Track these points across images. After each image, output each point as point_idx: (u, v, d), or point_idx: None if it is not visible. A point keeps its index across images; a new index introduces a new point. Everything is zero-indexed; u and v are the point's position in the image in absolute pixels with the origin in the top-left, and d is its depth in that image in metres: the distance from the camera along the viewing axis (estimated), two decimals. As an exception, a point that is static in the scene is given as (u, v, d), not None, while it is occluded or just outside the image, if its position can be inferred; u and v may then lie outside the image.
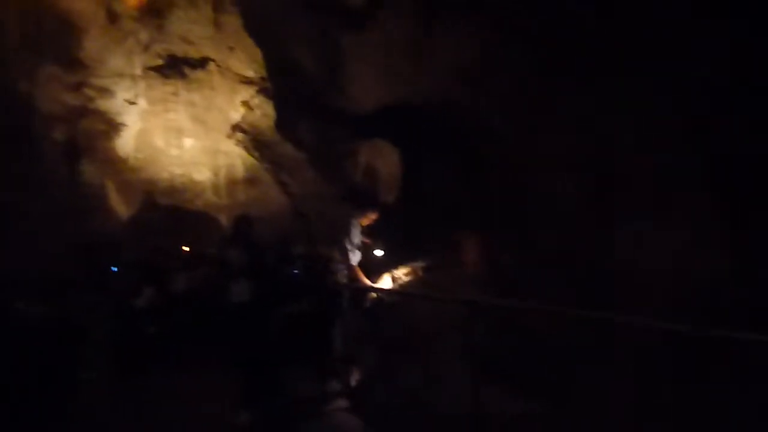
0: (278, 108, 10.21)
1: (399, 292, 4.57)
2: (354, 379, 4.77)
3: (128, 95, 12.35)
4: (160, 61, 12.50)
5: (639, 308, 4.42)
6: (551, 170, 5.85)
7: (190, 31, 12.48)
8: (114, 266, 8.21)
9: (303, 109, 9.36)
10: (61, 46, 11.42)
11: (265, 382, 4.85)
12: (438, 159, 7.71)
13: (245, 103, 12.88)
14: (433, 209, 7.14)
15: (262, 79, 12.00)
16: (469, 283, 5.19)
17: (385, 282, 5.77)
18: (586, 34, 4.85)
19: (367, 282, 5.31)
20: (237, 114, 12.98)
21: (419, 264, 6.16)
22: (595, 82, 5.14)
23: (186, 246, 9.59)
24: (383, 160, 10.44)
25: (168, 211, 11.54)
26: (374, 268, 6.04)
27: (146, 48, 12.36)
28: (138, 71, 12.39)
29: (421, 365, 4.44)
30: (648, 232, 4.86)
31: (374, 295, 5.11)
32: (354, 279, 5.29)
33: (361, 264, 5.59)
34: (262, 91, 12.21)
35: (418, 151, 8.48)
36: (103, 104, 12.14)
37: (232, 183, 13.34)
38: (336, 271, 5.42)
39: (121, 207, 12.32)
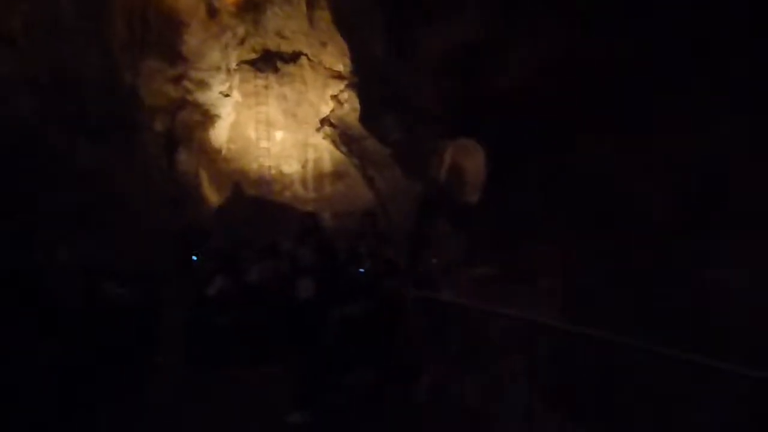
0: (363, 103, 10.13)
1: (462, 302, 4.35)
2: (411, 387, 4.62)
3: (223, 88, 12.78)
4: (254, 55, 12.87)
5: (740, 337, 3.95)
6: (647, 178, 5.39)
7: (284, 27, 12.77)
8: (195, 255, 8.46)
9: (387, 104, 9.23)
10: (164, 40, 11.96)
11: (321, 383, 4.79)
12: (523, 161, 7.33)
13: (335, 98, 13.02)
14: (513, 213, 6.79)
15: (352, 73, 12.01)
16: (542, 298, 4.87)
17: (450, 288, 5.56)
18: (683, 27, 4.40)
19: (431, 289, 5.13)
20: (327, 108, 13.15)
21: (490, 271, 5.88)
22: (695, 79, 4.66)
23: (268, 238, 9.75)
24: (469, 159, 10.17)
25: (255, 202, 11.82)
26: (441, 273, 5.84)
27: (242, 42, 12.75)
28: (233, 65, 12.81)
29: (481, 382, 4.21)
30: (754, 249, 4.34)
31: (438, 301, 4.92)
32: (419, 284, 5.13)
33: (428, 268, 5.42)
34: (352, 85, 12.26)
35: (503, 153, 8.14)
36: (201, 96, 12.61)
37: (319, 176, 13.52)
38: (401, 274, 5.27)
39: (213, 196, 12.76)
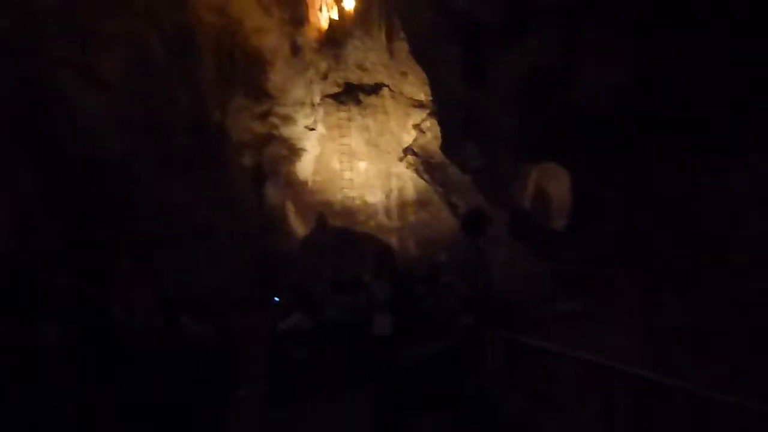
0: (443, 131, 10.05)
1: (540, 344, 4.09)
2: (483, 428, 4.37)
3: (308, 122, 13.10)
4: (337, 89, 13.12)
5: None
6: (741, 206, 4.94)
7: (365, 59, 12.96)
8: (277, 291, 8.57)
9: (467, 131, 9.10)
10: (251, 79, 12.45)
11: (391, 423, 4.64)
12: (608, 186, 6.95)
13: (416, 126, 13.02)
14: (597, 242, 6.42)
15: (432, 102, 11.98)
16: (625, 335, 4.51)
17: (532, 325, 5.27)
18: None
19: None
20: (409, 137, 13.17)
21: (568, 307, 5.55)
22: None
23: (352, 268, 9.77)
24: (554, 184, 9.80)
25: (340, 233, 11.92)
26: (524, 309, 5.57)
27: (325, 77, 13.05)
28: (317, 99, 13.11)
29: (556, 427, 3.92)
30: None
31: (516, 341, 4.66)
32: (498, 322, 4.88)
33: (506, 304, 5.18)
34: (433, 113, 12.22)
35: (589, 177, 7.77)
36: (286, 131, 12.99)
37: (403, 205, 13.50)
38: (480, 310, 5.05)
39: (299, 228, 13.01)
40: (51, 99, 9.11)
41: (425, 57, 8.99)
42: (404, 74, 12.75)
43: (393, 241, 12.91)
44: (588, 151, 6.28)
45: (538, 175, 9.95)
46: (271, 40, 12.53)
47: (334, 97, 13.17)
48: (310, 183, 13.43)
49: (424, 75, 10.97)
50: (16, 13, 8.23)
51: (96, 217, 8.61)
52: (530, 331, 5.10)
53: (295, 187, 13.21)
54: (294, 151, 13.13)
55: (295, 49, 12.71)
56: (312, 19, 13.02)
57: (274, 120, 12.87)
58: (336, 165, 13.42)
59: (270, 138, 12.89)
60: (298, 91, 12.87)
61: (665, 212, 5.65)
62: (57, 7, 8.63)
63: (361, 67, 13.04)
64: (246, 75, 12.38)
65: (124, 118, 10.12)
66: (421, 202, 13.40)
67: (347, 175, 13.31)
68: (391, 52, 12.74)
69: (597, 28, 4.91)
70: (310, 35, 12.87)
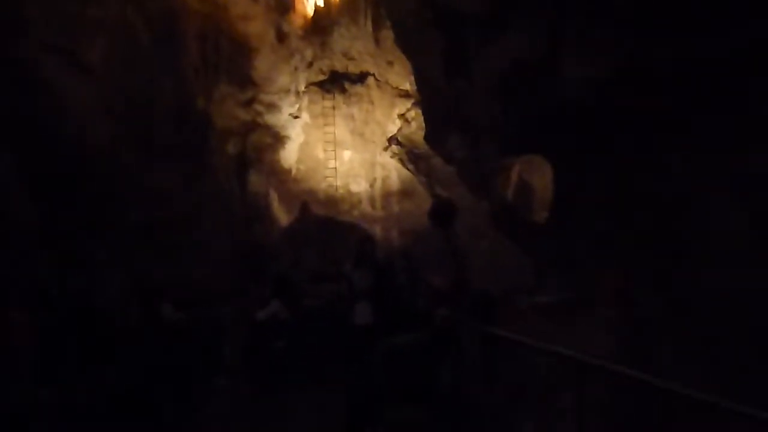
0: (428, 121, 10.05)
1: (514, 337, 4.11)
2: (459, 421, 4.42)
3: (292, 110, 13.03)
4: (322, 77, 13.06)
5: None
6: (720, 202, 5.00)
7: (351, 47, 12.90)
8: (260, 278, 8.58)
9: (451, 123, 9.11)
10: (236, 66, 12.35)
11: (367, 413, 4.68)
12: (590, 180, 7.00)
13: (402, 116, 13.02)
14: (577, 235, 6.48)
15: (418, 92, 11.96)
16: (600, 328, 4.56)
17: (510, 317, 5.30)
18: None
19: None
20: (394, 127, 13.16)
21: (547, 299, 5.60)
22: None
23: (335, 257, 9.77)
24: (537, 176, 9.84)
25: (323, 222, 11.91)
26: (501, 300, 5.61)
27: (310, 65, 12.98)
28: (302, 87, 13.04)
29: (531, 419, 3.97)
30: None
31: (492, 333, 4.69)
32: (475, 313, 4.92)
33: (485, 295, 5.21)
34: (418, 104, 12.21)
35: (570, 170, 7.81)
36: (271, 119, 12.91)
37: (387, 195, 13.51)
38: (456, 301, 5.08)
39: (282, 216, 12.98)
40: (33, 82, 8.96)
41: (409, 47, 8.97)
42: (390, 63, 12.72)
43: (376, 230, 12.91)
44: (570, 144, 6.32)
45: (521, 167, 10.00)
46: (256, 26, 12.42)
47: (320, 85, 13.11)
48: (294, 171, 13.39)
49: (409, 65, 10.96)
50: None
51: (77, 203, 8.53)
52: (508, 324, 5.14)
53: (278, 175, 13.16)
54: (278, 139, 13.07)
55: (281, 36, 12.61)
56: (298, 6, 12.90)
57: (259, 107, 12.78)
58: (320, 154, 13.38)
59: (254, 126, 12.82)
60: (283, 79, 12.78)
61: (645, 207, 5.72)
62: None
63: (346, 56, 12.98)
64: (231, 62, 12.26)
65: (107, 104, 9.99)
66: (405, 193, 13.42)
67: (331, 164, 13.28)
68: (377, 41, 12.69)
69: (579, 20, 4.92)
70: (296, 22, 12.77)
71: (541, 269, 7.86)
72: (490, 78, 6.36)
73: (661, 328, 4.35)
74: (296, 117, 13.11)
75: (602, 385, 3.34)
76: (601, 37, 4.82)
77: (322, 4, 13.05)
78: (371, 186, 13.47)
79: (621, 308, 4.81)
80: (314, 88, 13.11)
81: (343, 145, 13.29)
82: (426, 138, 10.66)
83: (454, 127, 9.28)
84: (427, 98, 9.69)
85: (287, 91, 12.91)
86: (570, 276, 6.13)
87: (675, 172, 5.52)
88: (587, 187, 7.07)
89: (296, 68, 12.88)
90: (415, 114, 12.60)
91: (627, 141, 5.96)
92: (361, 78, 13.05)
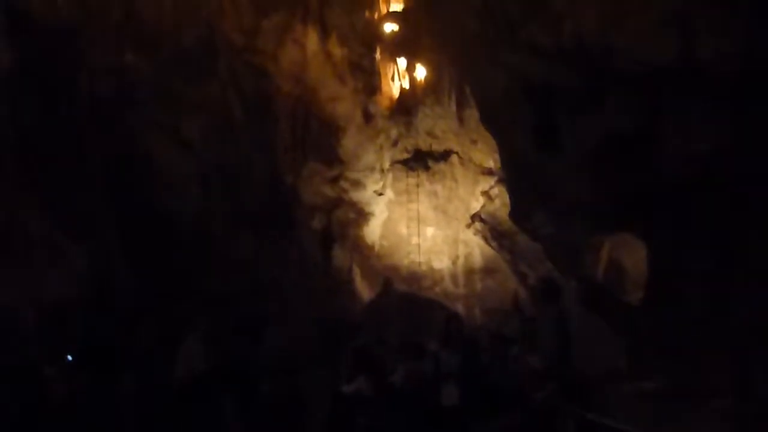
0: (513, 198, 9.96)
1: (616, 425, 3.82)
2: None
3: (377, 187, 13.30)
4: (406, 155, 13.34)
5: None
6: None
7: (435, 126, 13.19)
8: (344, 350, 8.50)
9: (537, 199, 8.98)
10: (324, 144, 12.87)
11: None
12: (688, 258, 6.65)
13: (485, 193, 13.00)
14: (681, 316, 6.09)
15: (502, 169, 11.96)
16: (714, 419, 4.16)
17: (607, 403, 4.96)
18: None
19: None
20: (477, 204, 13.14)
21: (647, 385, 5.21)
22: None
23: (416, 335, 9.61)
24: (629, 255, 9.46)
25: (405, 298, 11.83)
26: (599, 385, 5.27)
27: (395, 143, 13.32)
28: (387, 165, 13.34)
29: None
30: None
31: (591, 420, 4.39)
32: (571, 397, 4.64)
33: (582, 378, 4.93)
34: (502, 181, 12.20)
35: (664, 248, 7.47)
36: (356, 195, 13.22)
37: (470, 272, 13.33)
38: (552, 384, 4.82)
39: (365, 291, 13.01)
40: (137, 157, 9.68)
41: (496, 124, 9.03)
42: (474, 142, 12.87)
43: (459, 308, 12.67)
44: (666, 220, 6.06)
45: (611, 245, 9.65)
46: (344, 107, 12.96)
47: (404, 163, 13.37)
48: (377, 247, 13.50)
49: (493, 142, 11.01)
50: (116, 81, 8.92)
51: (171, 271, 8.91)
52: (605, 409, 4.82)
53: (362, 250, 13.30)
54: (362, 215, 13.30)
55: (368, 117, 13.08)
56: (384, 88, 13.42)
57: (344, 184, 13.14)
58: (403, 230, 13.46)
59: (339, 202, 13.14)
60: (368, 157, 13.15)
61: (749, 286, 5.34)
62: (152, 76, 9.29)
63: (430, 134, 13.25)
64: (319, 140, 12.79)
65: (202, 177, 10.59)
66: (488, 270, 13.20)
67: (414, 240, 13.31)
68: (460, 120, 12.90)
69: (681, 93, 4.81)
70: (382, 103, 13.24)
71: (637, 352, 7.39)
72: (582, 153, 6.27)
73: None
74: (380, 194, 13.35)
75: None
76: (705, 110, 4.68)
77: (407, 86, 13.50)
78: (454, 263, 13.35)
79: (738, 397, 4.40)
80: (399, 166, 13.37)
81: (426, 222, 13.34)
82: (510, 215, 10.55)
83: (541, 204, 9.14)
84: (513, 174, 9.65)
85: (372, 169, 13.23)
86: (670, 360, 5.72)
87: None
88: (686, 267, 6.72)
89: (381, 147, 13.24)
90: (499, 191, 12.56)
91: (728, 217, 5.66)
92: (445, 156, 13.22)
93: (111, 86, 9.86)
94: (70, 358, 6.30)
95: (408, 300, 11.76)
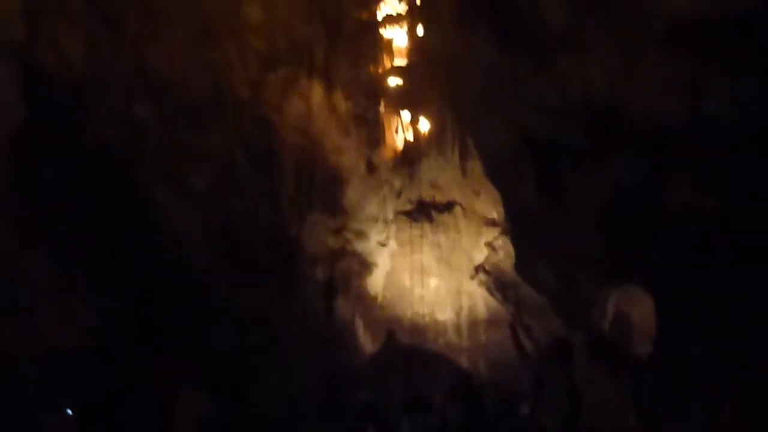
0: (517, 250, 9.94)
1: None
2: None
3: (380, 238, 13.30)
4: (409, 206, 13.38)
5: None
6: None
7: (438, 178, 13.29)
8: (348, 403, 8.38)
9: (542, 251, 8.96)
10: (327, 195, 12.93)
11: None
12: (699, 312, 6.59)
13: (489, 244, 12.98)
14: (685, 372, 5.99)
15: (506, 220, 12.00)
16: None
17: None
18: None
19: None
20: (481, 255, 13.10)
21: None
22: None
23: (420, 388, 9.46)
24: (636, 308, 9.38)
25: (408, 350, 11.68)
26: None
27: (398, 194, 13.40)
28: (390, 216, 13.37)
29: None
30: None
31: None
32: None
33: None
34: (506, 232, 12.20)
35: (674, 301, 7.41)
36: (359, 246, 13.21)
37: (474, 324, 13.18)
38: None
39: (368, 343, 12.86)
40: (141, 206, 9.73)
41: (499, 177, 9.08)
42: (477, 193, 12.93)
43: (463, 360, 12.51)
44: (676, 274, 6.02)
45: (618, 298, 9.58)
46: (348, 159, 13.10)
47: (407, 214, 13.40)
48: (380, 298, 13.41)
49: (497, 194, 11.06)
50: (123, 130, 9.05)
51: (173, 324, 8.83)
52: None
53: (365, 301, 13.20)
54: (365, 266, 13.26)
55: (371, 168, 13.21)
56: (388, 139, 13.60)
57: (348, 235, 13.15)
58: (407, 281, 13.39)
59: (343, 253, 13.11)
60: (372, 208, 13.20)
61: (764, 344, 5.26)
62: (158, 124, 9.44)
63: (434, 186, 13.33)
64: (323, 191, 12.87)
65: (205, 227, 10.61)
66: (492, 322, 13.05)
67: (417, 291, 13.22)
68: (464, 172, 13.01)
69: (689, 149, 4.86)
70: (386, 155, 13.39)
71: (645, 408, 7.25)
72: (587, 207, 6.28)
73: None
74: (384, 245, 13.35)
75: None
76: (710, 167, 4.72)
77: (411, 138, 13.67)
78: (457, 315, 13.22)
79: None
80: (402, 217, 13.40)
81: (430, 273, 13.28)
82: (515, 266, 10.52)
83: (546, 256, 9.11)
84: (517, 226, 9.65)
85: (376, 220, 13.27)
86: (680, 417, 5.60)
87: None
88: (695, 321, 6.65)
89: (385, 198, 13.32)
90: (503, 242, 12.54)
91: (740, 273, 5.63)
92: (448, 207, 13.26)
93: (118, 137, 10.00)
94: (69, 411, 6.19)
95: (412, 352, 11.62)
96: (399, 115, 13.77)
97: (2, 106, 8.04)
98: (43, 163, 8.38)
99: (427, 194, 13.40)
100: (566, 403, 4.49)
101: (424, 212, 13.33)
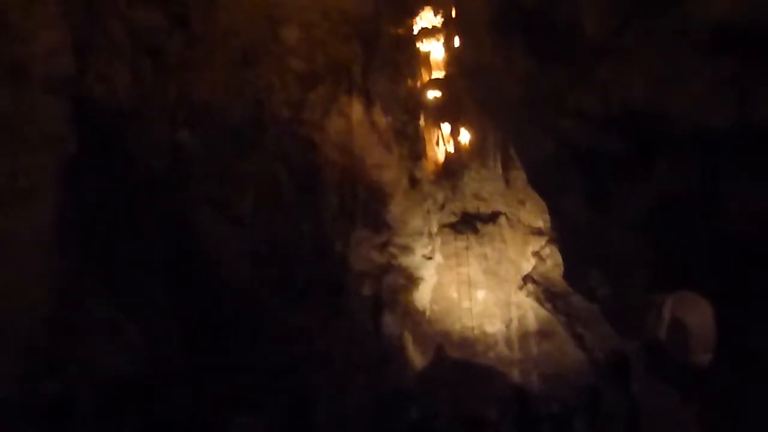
0: (566, 258, 9.76)
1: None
2: None
3: (426, 251, 13.23)
4: (454, 219, 13.29)
5: None
6: None
7: (481, 189, 13.18)
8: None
9: (591, 259, 8.77)
10: (371, 211, 12.98)
11: None
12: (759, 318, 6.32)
13: (536, 254, 12.78)
14: (754, 379, 5.74)
15: (552, 229, 11.81)
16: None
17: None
18: None
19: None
20: (528, 265, 12.90)
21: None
22: None
23: (471, 403, 9.34)
24: (693, 314, 9.07)
25: (459, 365, 11.53)
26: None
27: (442, 207, 13.33)
28: (434, 229, 13.31)
29: None
30: None
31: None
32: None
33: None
34: (553, 241, 12.01)
35: (735, 306, 7.13)
36: (405, 261, 13.17)
37: (524, 335, 12.94)
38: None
39: (417, 358, 12.75)
40: (189, 231, 9.95)
41: (544, 187, 8.97)
42: (521, 202, 12.77)
43: (515, 374, 12.27)
44: (733, 279, 5.80)
45: (673, 304, 9.27)
46: (390, 174, 13.14)
47: (452, 226, 13.30)
48: (428, 313, 13.30)
49: (542, 203, 10.92)
50: (171, 158, 9.31)
51: (224, 346, 8.97)
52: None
53: (413, 316, 13.12)
54: (412, 281, 13.20)
55: (414, 182, 13.21)
56: (429, 153, 13.59)
57: (393, 250, 13.13)
58: (454, 294, 13.26)
59: (389, 268, 13.09)
60: (416, 222, 13.17)
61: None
62: (204, 152, 9.68)
63: (477, 197, 13.22)
64: (366, 207, 12.92)
65: (252, 250, 10.76)
66: (543, 333, 12.78)
67: (465, 304, 13.07)
68: (507, 182, 12.88)
69: (736, 154, 4.70)
70: (428, 168, 13.37)
71: (709, 420, 6.99)
72: (635, 214, 6.12)
73: None
74: (429, 258, 13.27)
75: None
76: (760, 171, 4.54)
77: (452, 150, 13.61)
78: (507, 327, 12.99)
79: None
80: (447, 230, 13.31)
81: (477, 285, 13.12)
82: (564, 276, 10.32)
83: (595, 263, 8.92)
84: (564, 235, 9.51)
85: (420, 234, 13.22)
86: (745, 428, 5.37)
87: None
88: (756, 324, 6.39)
89: (429, 211, 13.26)
90: (550, 251, 12.33)
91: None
92: (493, 218, 13.12)
93: (165, 164, 10.27)
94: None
95: (462, 367, 11.47)
96: (439, 127, 13.73)
97: (57, 141, 8.34)
98: (95, 195, 8.67)
99: (471, 206, 13.28)
100: (623, 417, 4.35)
101: (468, 224, 13.20)
